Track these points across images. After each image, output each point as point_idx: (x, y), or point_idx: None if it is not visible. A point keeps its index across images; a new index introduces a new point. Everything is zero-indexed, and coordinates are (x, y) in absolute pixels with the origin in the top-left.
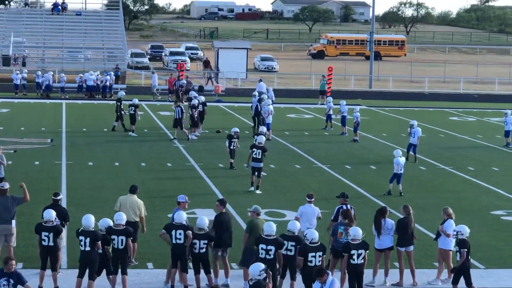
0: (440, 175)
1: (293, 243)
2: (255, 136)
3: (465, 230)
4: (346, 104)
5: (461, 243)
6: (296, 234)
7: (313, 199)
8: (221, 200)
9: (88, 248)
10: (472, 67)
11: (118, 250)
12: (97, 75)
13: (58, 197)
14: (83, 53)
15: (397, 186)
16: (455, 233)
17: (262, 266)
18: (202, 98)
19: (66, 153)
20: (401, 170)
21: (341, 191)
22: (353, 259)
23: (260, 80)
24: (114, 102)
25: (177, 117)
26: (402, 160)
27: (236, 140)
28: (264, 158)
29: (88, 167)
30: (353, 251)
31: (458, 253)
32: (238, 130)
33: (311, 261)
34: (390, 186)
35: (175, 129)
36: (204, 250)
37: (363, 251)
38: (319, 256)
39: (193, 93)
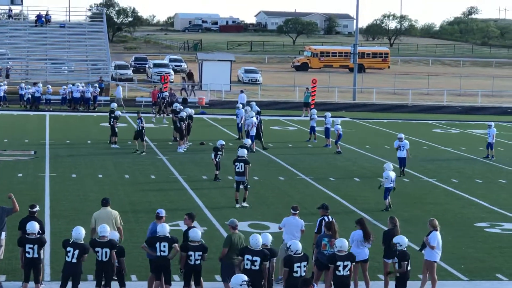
0: (423, 187)
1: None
2: (239, 149)
3: (404, 241)
4: (331, 117)
5: (401, 255)
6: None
7: (297, 211)
8: (190, 214)
9: (74, 260)
10: (455, 79)
11: (103, 263)
12: (83, 86)
13: (35, 209)
14: (67, 65)
15: (384, 200)
16: (394, 244)
17: (243, 277)
18: (189, 111)
19: (50, 165)
20: (391, 184)
21: (322, 203)
22: (339, 271)
23: (242, 92)
24: (99, 114)
25: (138, 129)
26: (393, 174)
27: (221, 152)
28: (247, 176)
29: (71, 179)
30: (339, 263)
31: (396, 264)
32: (224, 142)
33: (296, 272)
34: (387, 202)
35: (135, 141)
36: (199, 261)
37: (349, 262)
38: (304, 266)
39: (177, 106)
